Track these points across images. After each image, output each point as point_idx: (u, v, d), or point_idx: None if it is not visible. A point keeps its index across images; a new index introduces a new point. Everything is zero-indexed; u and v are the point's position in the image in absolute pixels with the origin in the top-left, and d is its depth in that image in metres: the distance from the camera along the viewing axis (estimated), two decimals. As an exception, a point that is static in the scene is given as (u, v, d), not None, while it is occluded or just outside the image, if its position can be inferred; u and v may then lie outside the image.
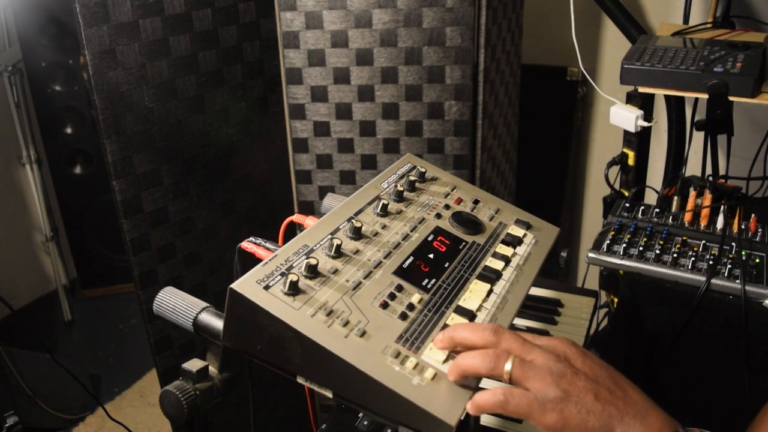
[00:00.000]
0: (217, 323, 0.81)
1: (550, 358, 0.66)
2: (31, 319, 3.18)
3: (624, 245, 1.36)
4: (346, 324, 0.72)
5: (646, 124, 1.51)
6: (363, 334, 0.71)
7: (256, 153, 1.75)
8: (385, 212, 0.93)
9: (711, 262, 1.29)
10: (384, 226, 0.90)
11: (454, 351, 0.71)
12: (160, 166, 1.48)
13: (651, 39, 1.51)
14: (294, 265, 0.78)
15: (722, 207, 1.40)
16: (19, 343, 2.47)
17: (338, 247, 0.81)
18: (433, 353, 0.72)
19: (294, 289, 0.73)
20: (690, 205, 1.47)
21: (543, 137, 2.44)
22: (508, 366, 0.66)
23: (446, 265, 0.87)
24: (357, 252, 0.84)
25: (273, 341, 0.72)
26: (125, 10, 1.34)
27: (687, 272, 1.28)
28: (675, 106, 1.81)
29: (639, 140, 1.60)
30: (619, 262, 1.35)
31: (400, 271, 0.83)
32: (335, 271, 0.79)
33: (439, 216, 0.96)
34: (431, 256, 0.87)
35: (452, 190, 1.04)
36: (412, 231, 0.91)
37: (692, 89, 1.34)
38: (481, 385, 0.69)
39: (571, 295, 1.31)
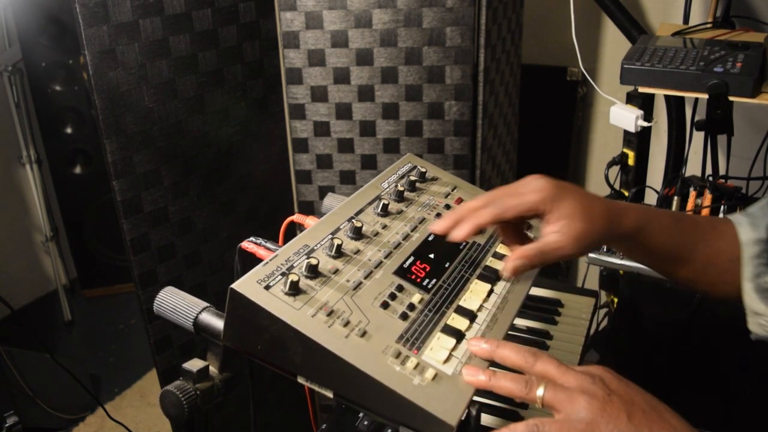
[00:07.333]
0: (218, 323, 0.81)
1: (584, 380, 0.66)
2: (31, 319, 3.18)
3: (624, 245, 1.36)
4: (346, 324, 0.72)
5: (646, 124, 1.51)
6: (363, 334, 0.71)
7: (256, 153, 1.75)
8: (385, 212, 0.93)
9: (711, 262, 1.29)
10: (384, 226, 0.90)
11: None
12: (160, 166, 1.48)
13: (651, 39, 1.51)
14: (294, 265, 0.78)
15: (722, 207, 1.41)
16: (19, 343, 2.47)
17: (339, 247, 0.81)
18: (433, 353, 0.72)
19: (294, 289, 0.73)
20: (690, 205, 1.47)
21: (543, 137, 2.44)
22: (540, 392, 0.66)
23: (447, 265, 0.87)
24: (357, 252, 0.84)
25: (273, 341, 0.72)
26: (125, 10, 1.33)
27: (687, 272, 1.28)
28: (675, 106, 1.81)
29: (639, 140, 1.60)
30: (619, 262, 1.35)
31: (400, 271, 0.83)
32: (336, 271, 0.79)
33: (439, 216, 0.96)
34: (432, 256, 0.87)
35: (453, 190, 1.04)
36: (412, 231, 0.91)
37: (692, 89, 1.34)
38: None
39: (571, 295, 1.31)
